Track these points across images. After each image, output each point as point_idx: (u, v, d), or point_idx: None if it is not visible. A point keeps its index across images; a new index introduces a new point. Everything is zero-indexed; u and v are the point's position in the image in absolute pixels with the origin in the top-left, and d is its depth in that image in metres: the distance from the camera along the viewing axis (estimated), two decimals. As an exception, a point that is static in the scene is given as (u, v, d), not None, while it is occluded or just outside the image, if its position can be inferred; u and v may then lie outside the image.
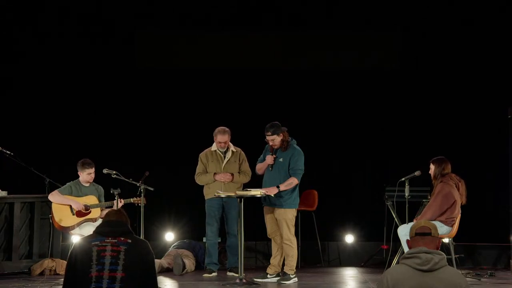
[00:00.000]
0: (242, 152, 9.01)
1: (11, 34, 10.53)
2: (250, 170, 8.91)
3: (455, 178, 8.20)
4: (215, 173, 8.88)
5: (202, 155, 9.01)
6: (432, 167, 8.28)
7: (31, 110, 10.47)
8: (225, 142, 8.84)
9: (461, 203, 8.20)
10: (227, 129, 8.86)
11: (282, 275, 8.26)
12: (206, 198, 8.96)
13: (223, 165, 8.90)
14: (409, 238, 4.39)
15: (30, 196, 9.10)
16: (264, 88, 10.53)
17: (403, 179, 8.59)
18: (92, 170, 8.67)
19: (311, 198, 10.00)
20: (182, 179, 9.86)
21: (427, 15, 10.43)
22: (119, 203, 8.46)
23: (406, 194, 8.62)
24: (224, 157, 8.92)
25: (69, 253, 4.65)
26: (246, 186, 8.70)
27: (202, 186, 9.01)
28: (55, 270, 8.80)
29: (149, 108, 10.61)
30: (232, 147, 8.95)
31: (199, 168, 8.97)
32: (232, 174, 8.88)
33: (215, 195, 8.53)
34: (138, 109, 10.59)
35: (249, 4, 10.57)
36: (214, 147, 8.95)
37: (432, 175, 8.28)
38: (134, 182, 8.44)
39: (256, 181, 8.66)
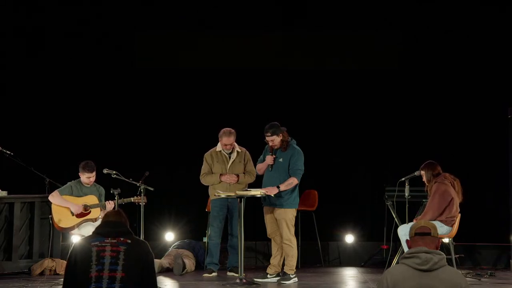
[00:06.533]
0: (247, 152, 8.97)
1: (11, 33, 10.53)
2: (255, 170, 8.90)
3: (449, 177, 8.20)
4: (221, 174, 8.86)
5: (207, 155, 8.96)
6: (423, 173, 8.29)
7: (32, 110, 10.48)
8: (230, 144, 8.79)
9: (459, 202, 8.19)
10: (232, 130, 8.79)
11: (282, 275, 8.26)
12: (211, 198, 8.95)
13: (228, 166, 8.87)
14: (409, 238, 4.39)
15: (30, 196, 9.10)
16: (264, 88, 10.53)
17: (403, 179, 8.60)
18: (92, 175, 8.64)
19: (311, 198, 10.00)
20: (182, 179, 9.86)
21: (427, 15, 10.43)
22: (107, 205, 8.49)
23: (406, 194, 8.63)
24: (230, 157, 8.90)
25: (69, 253, 4.65)
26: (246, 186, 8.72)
27: (204, 186, 8.99)
28: (55, 270, 8.80)
29: (149, 109, 10.61)
30: (237, 147, 8.91)
31: (204, 168, 8.93)
32: (238, 175, 8.86)
33: (215, 195, 8.53)
34: (138, 110, 10.60)
35: (249, 4, 10.57)
36: (219, 147, 8.89)
37: (426, 180, 8.27)
38: (134, 182, 8.44)
39: (256, 181, 8.66)
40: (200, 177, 8.94)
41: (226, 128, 8.80)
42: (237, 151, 8.90)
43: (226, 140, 8.76)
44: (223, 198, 8.63)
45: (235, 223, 8.86)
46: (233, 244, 8.89)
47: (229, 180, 8.81)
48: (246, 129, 9.39)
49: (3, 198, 8.82)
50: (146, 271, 4.54)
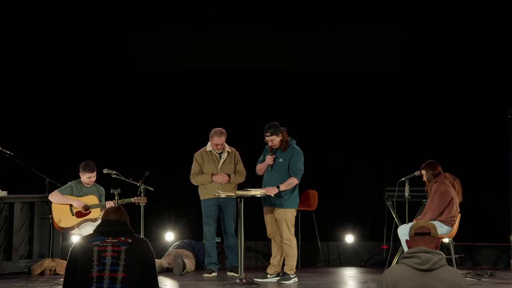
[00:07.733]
0: (237, 152, 8.99)
1: (12, 33, 10.53)
2: (245, 170, 8.90)
3: (449, 177, 8.20)
4: (212, 174, 8.86)
5: (197, 155, 8.97)
6: (423, 172, 8.29)
7: (32, 110, 10.48)
8: (221, 144, 8.81)
9: (459, 202, 8.19)
10: (224, 130, 8.80)
11: (282, 275, 8.27)
12: (202, 198, 8.93)
13: (219, 166, 8.88)
14: (408, 238, 4.39)
15: (30, 196, 9.09)
16: (264, 88, 10.53)
17: (403, 179, 8.60)
18: (93, 175, 8.66)
19: (311, 198, 10.00)
20: (182, 179, 9.84)
21: (427, 15, 10.43)
22: (107, 205, 8.49)
23: (406, 194, 8.63)
24: (220, 157, 8.90)
25: (69, 253, 4.65)
26: (246, 186, 8.69)
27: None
28: (55, 270, 8.80)
29: (149, 109, 10.61)
30: (227, 147, 8.92)
31: (195, 168, 8.93)
32: (229, 175, 8.87)
33: (215, 195, 8.53)
34: (138, 110, 10.60)
35: (249, 4, 10.57)
36: (209, 147, 8.90)
37: (426, 180, 8.27)
38: (134, 182, 8.44)
39: (256, 181, 8.65)
40: (190, 177, 8.94)
41: (218, 128, 8.80)
42: (228, 151, 8.91)
43: (218, 140, 8.76)
44: (214, 197, 8.64)
45: (228, 222, 8.88)
46: (229, 243, 8.90)
47: (221, 180, 8.81)
48: (246, 129, 9.40)
49: (3, 198, 8.82)
50: (147, 270, 4.53)
